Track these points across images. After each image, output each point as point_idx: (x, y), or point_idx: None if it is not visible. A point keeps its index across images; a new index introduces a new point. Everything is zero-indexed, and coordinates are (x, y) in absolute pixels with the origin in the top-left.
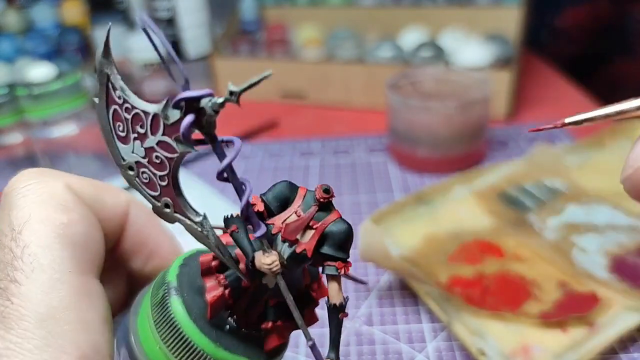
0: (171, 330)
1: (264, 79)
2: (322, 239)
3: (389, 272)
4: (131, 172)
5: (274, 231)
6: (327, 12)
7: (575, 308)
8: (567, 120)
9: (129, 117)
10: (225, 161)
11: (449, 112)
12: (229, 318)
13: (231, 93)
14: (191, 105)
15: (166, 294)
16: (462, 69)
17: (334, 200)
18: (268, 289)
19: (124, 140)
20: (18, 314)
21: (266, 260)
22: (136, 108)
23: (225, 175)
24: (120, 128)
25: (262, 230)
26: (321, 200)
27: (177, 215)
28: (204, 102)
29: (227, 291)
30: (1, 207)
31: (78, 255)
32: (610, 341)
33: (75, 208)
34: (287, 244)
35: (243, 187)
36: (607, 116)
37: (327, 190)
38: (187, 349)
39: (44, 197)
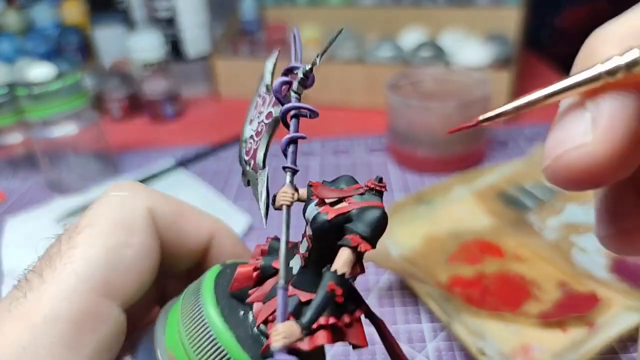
0: (194, 297)
1: (339, 35)
2: (352, 217)
3: (389, 272)
4: (243, 144)
5: (311, 197)
6: (327, 12)
7: (575, 308)
8: (480, 118)
9: (260, 101)
10: (293, 104)
11: (448, 112)
12: (250, 312)
13: (316, 57)
14: (289, 71)
15: (208, 271)
16: (462, 69)
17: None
18: (292, 275)
19: (251, 122)
20: (24, 310)
21: (283, 189)
22: (262, 93)
23: (292, 114)
24: (254, 114)
25: (292, 166)
26: (370, 185)
27: (250, 170)
28: (299, 70)
29: (259, 262)
30: (90, 204)
31: (111, 278)
32: (610, 341)
33: (139, 234)
34: (316, 205)
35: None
36: (517, 109)
37: (380, 179)
38: (196, 310)
39: (119, 211)
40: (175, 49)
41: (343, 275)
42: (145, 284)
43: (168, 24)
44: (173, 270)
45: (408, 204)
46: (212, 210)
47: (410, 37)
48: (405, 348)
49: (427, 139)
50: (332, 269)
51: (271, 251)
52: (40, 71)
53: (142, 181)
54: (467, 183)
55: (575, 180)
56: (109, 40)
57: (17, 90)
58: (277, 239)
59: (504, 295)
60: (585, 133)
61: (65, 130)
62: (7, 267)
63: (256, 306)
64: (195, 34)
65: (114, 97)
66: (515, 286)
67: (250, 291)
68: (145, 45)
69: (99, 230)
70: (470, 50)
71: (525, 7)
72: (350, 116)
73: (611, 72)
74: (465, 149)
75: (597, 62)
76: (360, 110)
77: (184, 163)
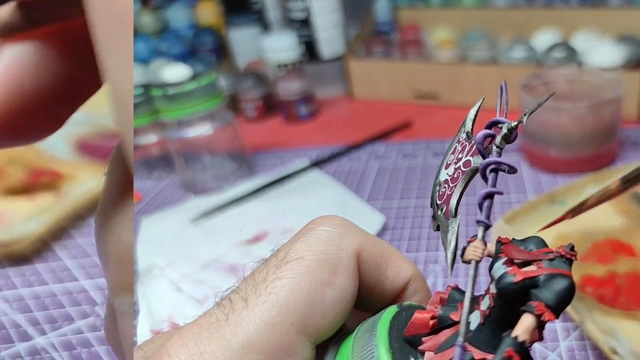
0: (368, 336)
1: (549, 99)
2: (539, 283)
3: None
4: (437, 187)
5: (499, 254)
6: (461, 13)
7: None
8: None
9: (459, 147)
10: (495, 159)
11: (580, 113)
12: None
13: (523, 116)
14: (493, 124)
15: (385, 310)
16: (594, 69)
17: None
18: (468, 330)
19: (447, 166)
20: (222, 332)
21: (474, 243)
22: (462, 139)
23: (490, 170)
24: (451, 159)
25: (486, 221)
26: (561, 252)
27: (441, 215)
28: (504, 125)
29: (437, 311)
30: (299, 232)
31: (310, 316)
32: None
33: (342, 275)
34: (504, 265)
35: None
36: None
37: (572, 247)
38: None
39: (329, 249)
40: (309, 49)
41: (523, 342)
42: (338, 324)
43: (302, 25)
44: (362, 309)
45: (541, 203)
46: (346, 210)
47: (543, 38)
48: (538, 347)
49: (560, 139)
50: (513, 334)
51: (450, 301)
52: (175, 72)
53: (277, 181)
54: (599, 183)
55: None
56: (244, 41)
57: (152, 91)
58: (457, 289)
59: (637, 295)
60: None
61: (200, 130)
62: (142, 266)
63: (428, 355)
64: (329, 34)
65: (248, 98)
66: None
67: (424, 338)
68: (280, 46)
69: (307, 265)
70: (602, 51)
71: None
72: (484, 117)
73: None
74: (597, 150)
75: None
76: (494, 110)
77: (318, 163)
